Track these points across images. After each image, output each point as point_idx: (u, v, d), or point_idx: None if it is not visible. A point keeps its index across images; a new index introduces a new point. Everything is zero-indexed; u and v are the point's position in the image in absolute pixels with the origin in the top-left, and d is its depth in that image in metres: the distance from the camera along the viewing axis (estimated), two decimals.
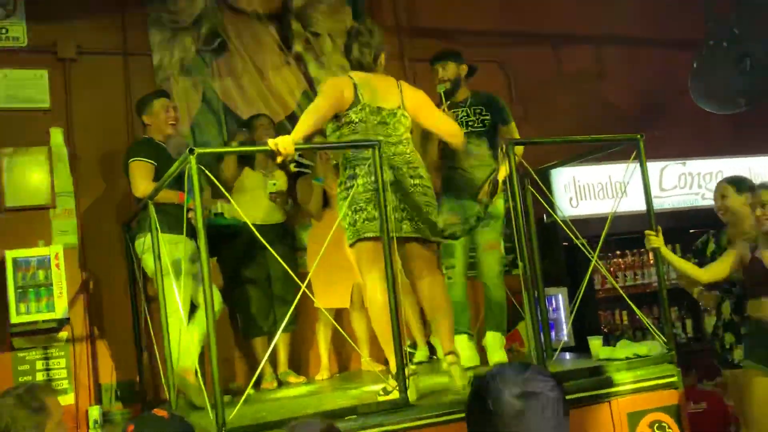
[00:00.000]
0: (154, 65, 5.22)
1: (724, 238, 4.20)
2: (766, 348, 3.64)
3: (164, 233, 3.84)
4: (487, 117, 4.32)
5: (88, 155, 5.00)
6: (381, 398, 3.29)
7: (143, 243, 4.15)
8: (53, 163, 4.87)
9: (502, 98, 4.69)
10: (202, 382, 3.72)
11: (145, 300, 4.49)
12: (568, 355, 4.48)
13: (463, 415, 3.14)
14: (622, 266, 5.96)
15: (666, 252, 3.88)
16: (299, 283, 3.26)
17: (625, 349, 3.88)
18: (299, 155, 5.18)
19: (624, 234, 5.27)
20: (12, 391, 2.56)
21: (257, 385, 4.51)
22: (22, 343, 4.62)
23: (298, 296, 3.36)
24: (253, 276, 4.70)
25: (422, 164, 3.67)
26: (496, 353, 4.26)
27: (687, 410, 3.75)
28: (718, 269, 3.84)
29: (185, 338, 3.86)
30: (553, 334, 5.22)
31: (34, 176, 4.84)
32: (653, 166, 5.26)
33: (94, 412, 4.50)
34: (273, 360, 4.75)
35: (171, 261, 3.85)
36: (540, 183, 4.02)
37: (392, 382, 3.32)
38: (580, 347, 4.84)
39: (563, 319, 5.52)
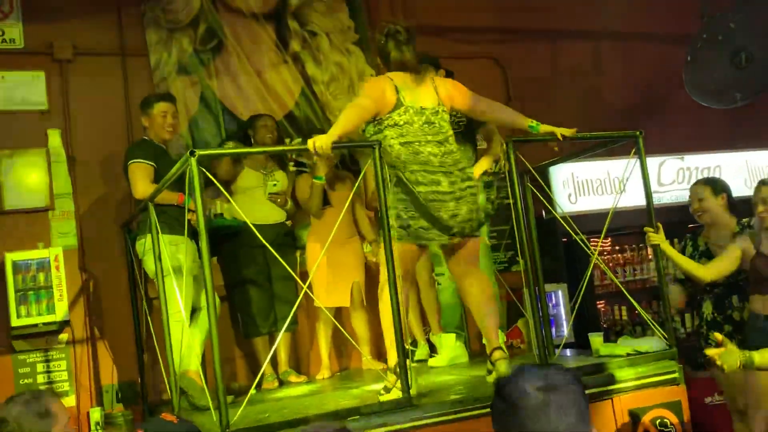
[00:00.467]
0: (151, 65, 5.21)
1: (701, 239, 4.20)
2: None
3: (165, 234, 3.83)
4: (463, 119, 4.31)
5: (87, 157, 4.99)
6: (383, 398, 3.29)
7: (144, 244, 4.15)
8: (51, 164, 4.87)
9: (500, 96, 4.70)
10: (204, 383, 3.73)
11: (146, 301, 4.49)
12: (569, 352, 4.49)
13: (466, 414, 3.21)
14: (621, 261, 5.96)
15: (668, 248, 3.87)
16: (300, 283, 3.26)
17: (625, 345, 3.88)
18: (297, 154, 5.19)
19: (623, 229, 5.28)
20: (18, 397, 2.55)
21: (258, 385, 4.51)
22: (22, 345, 4.63)
23: (301, 296, 3.37)
24: (253, 276, 4.70)
25: (468, 162, 3.64)
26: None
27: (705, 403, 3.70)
28: (722, 266, 3.82)
29: (187, 339, 3.86)
30: (553, 330, 5.24)
31: (33, 178, 4.83)
32: (651, 161, 5.26)
33: (96, 414, 4.50)
34: (274, 360, 4.75)
35: (172, 262, 3.84)
36: (539, 179, 4.02)
37: (392, 378, 3.32)
38: (580, 343, 4.86)
39: (563, 316, 5.53)
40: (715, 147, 6.32)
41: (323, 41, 5.72)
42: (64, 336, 4.71)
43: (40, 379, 4.65)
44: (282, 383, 4.68)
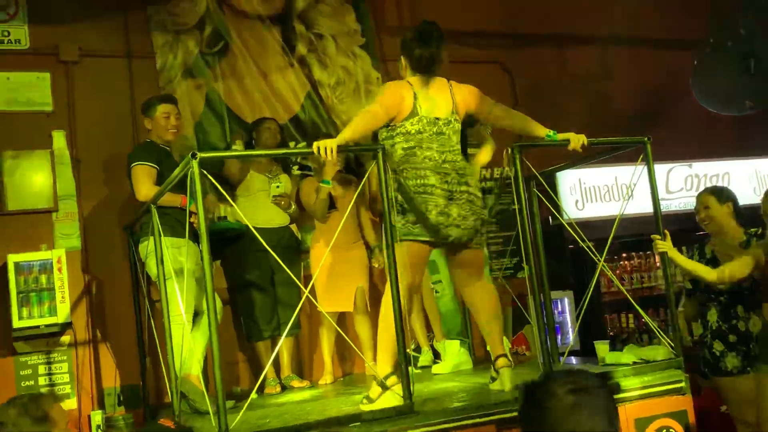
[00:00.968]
0: (157, 68, 5.20)
1: (708, 248, 4.16)
2: None
3: (167, 237, 3.82)
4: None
5: (91, 158, 4.98)
6: (363, 407, 3.26)
7: (146, 247, 4.13)
8: (56, 166, 4.86)
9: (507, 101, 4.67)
10: (204, 388, 3.70)
11: (149, 304, 4.47)
12: (574, 360, 4.45)
13: (468, 421, 3.17)
14: (629, 269, 5.92)
15: (676, 255, 3.83)
16: (302, 288, 3.23)
17: (631, 353, 3.83)
18: (302, 158, 5.17)
19: (630, 236, 5.24)
20: (16, 400, 2.53)
21: (261, 389, 4.48)
22: (24, 347, 4.62)
23: (302, 300, 3.34)
24: (256, 280, 4.68)
25: (471, 173, 3.63)
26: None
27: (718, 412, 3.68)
28: (734, 269, 3.77)
29: (189, 343, 3.83)
30: (558, 337, 5.20)
31: (37, 179, 4.83)
32: (659, 168, 5.23)
33: (97, 417, 4.48)
34: (276, 364, 4.72)
35: (174, 265, 3.82)
36: (545, 185, 3.98)
37: (376, 390, 3.29)
38: (586, 351, 4.81)
39: (569, 323, 5.48)
40: (724, 154, 6.28)
41: (329, 44, 5.70)
42: (66, 338, 4.69)
43: (42, 381, 4.63)
44: (284, 388, 4.65)
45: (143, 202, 4.11)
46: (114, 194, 4.94)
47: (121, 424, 4.49)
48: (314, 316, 5.01)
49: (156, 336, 4.24)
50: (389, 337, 3.28)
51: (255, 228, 3.55)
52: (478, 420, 3.19)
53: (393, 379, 3.29)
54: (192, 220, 3.84)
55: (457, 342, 4.65)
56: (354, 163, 5.39)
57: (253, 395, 3.25)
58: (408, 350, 4.88)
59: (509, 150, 3.64)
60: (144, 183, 4.12)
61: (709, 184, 5.99)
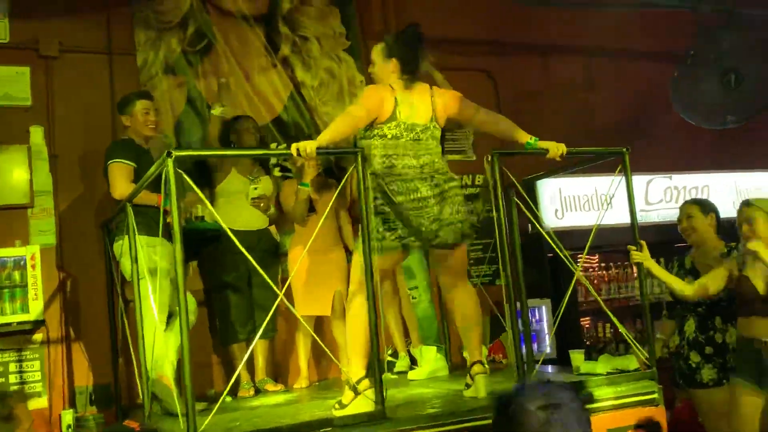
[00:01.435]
0: (138, 64, 5.15)
1: (687, 259, 4.18)
2: (755, 366, 3.61)
3: (142, 236, 3.78)
4: None
5: (69, 154, 4.93)
6: (336, 412, 3.24)
7: (121, 245, 4.08)
8: (33, 161, 4.80)
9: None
10: (177, 390, 3.66)
11: (123, 303, 4.42)
12: (549, 368, 4.44)
13: (441, 428, 3.15)
14: (606, 279, 5.94)
15: (653, 266, 3.84)
16: (277, 291, 3.20)
17: (606, 363, 3.84)
18: (283, 159, 5.14)
19: (609, 246, 5.25)
20: None
21: (234, 392, 4.45)
22: None
23: (276, 303, 3.31)
24: (233, 282, 4.64)
25: (452, 176, 3.61)
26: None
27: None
28: (708, 284, 3.79)
29: (162, 343, 3.79)
30: (535, 345, 5.20)
31: (13, 175, 4.76)
32: (639, 179, 5.26)
33: (68, 417, 4.43)
34: (251, 367, 4.68)
35: (148, 264, 3.78)
36: (525, 194, 3.98)
37: (349, 395, 3.27)
38: (562, 359, 4.81)
39: (546, 331, 5.49)
40: (704, 167, 6.32)
41: (314, 46, 5.68)
42: (38, 336, 4.63)
43: (12, 379, 4.56)
44: (258, 391, 4.61)
45: (119, 200, 4.07)
46: (91, 191, 4.89)
47: (91, 423, 4.45)
48: (291, 319, 4.97)
49: (129, 336, 4.19)
50: (360, 341, 3.26)
51: (234, 230, 3.51)
52: (450, 427, 3.18)
53: (366, 383, 3.27)
54: (168, 219, 3.80)
55: (434, 348, 4.65)
56: (335, 166, 5.37)
57: (227, 398, 3.22)
58: (385, 356, 4.89)
59: (489, 157, 3.64)
60: (120, 181, 4.07)
61: (688, 197, 6.03)
